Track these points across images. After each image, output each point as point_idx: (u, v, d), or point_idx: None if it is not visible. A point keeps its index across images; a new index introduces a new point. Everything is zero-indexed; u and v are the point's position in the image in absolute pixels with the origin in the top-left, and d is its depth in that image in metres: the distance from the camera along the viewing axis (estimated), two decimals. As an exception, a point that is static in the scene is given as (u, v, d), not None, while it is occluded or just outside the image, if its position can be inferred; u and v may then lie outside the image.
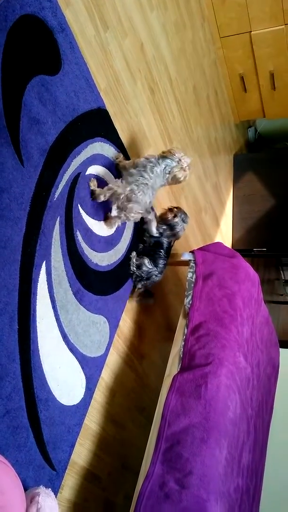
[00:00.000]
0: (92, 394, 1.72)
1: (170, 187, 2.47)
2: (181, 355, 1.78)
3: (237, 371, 1.82)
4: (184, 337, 1.82)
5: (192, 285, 1.95)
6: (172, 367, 1.80)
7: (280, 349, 2.65)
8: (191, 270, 2.02)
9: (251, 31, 3.11)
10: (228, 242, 3.56)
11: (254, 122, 4.21)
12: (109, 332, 1.85)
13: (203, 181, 2.99)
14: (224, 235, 3.46)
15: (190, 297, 1.91)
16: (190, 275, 2.01)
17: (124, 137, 2.00)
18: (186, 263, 2.08)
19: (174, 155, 1.75)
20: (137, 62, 2.12)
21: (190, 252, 2.09)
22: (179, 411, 1.60)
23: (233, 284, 1.93)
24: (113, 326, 1.89)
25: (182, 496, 1.42)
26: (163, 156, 1.76)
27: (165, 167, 1.74)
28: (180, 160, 1.75)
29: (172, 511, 1.39)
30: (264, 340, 2.24)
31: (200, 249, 2.07)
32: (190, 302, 1.89)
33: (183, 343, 1.80)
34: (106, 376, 1.86)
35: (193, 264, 2.03)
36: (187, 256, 2.07)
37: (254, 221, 3.62)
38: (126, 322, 2.02)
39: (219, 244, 2.12)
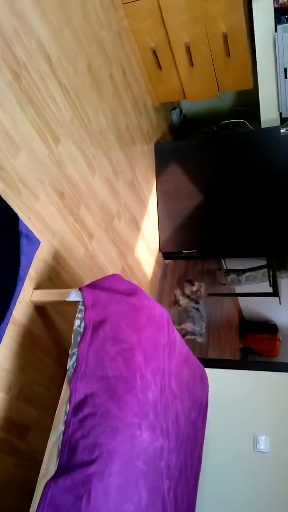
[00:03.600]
0: None
1: (62, 199, 1.94)
2: (60, 446, 1.29)
3: (140, 454, 1.37)
4: (65, 418, 1.33)
5: (78, 339, 1.46)
6: (49, 463, 1.31)
7: (206, 370, 2.27)
8: (79, 316, 1.52)
9: (158, -5, 2.57)
10: (154, 245, 3.09)
11: (178, 104, 3.71)
12: None
13: (112, 181, 2.48)
14: (148, 239, 2.99)
15: (74, 358, 1.42)
16: (77, 322, 1.51)
17: None
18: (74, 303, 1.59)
19: None
20: (-14, 36, 1.54)
21: (78, 289, 1.59)
22: None
23: (132, 334, 1.46)
24: None
25: None
26: None
27: None
28: None
29: None
30: (183, 385, 1.81)
31: (91, 286, 1.58)
32: (74, 366, 1.40)
33: (63, 427, 1.32)
34: None
35: (82, 307, 1.53)
36: (74, 296, 1.57)
37: (182, 219, 3.17)
38: (-4, 393, 1.51)
39: (115, 277, 1.62)
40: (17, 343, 1.64)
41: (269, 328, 6.86)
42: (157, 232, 3.19)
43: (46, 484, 1.22)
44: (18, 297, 1.65)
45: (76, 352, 1.42)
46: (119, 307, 1.50)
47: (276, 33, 2.69)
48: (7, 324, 1.58)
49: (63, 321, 1.92)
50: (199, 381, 2.01)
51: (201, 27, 2.66)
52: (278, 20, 2.69)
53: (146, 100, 3.08)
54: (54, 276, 1.89)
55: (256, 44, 2.77)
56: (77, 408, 1.32)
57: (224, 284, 5.25)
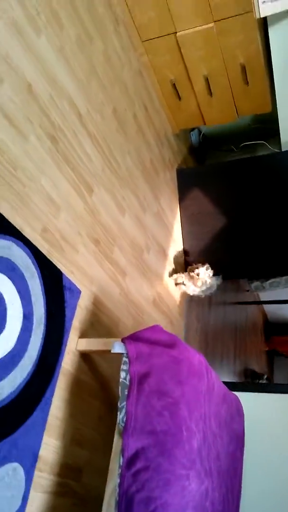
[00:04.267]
0: None
1: (97, 246, 2.05)
2: (117, 498, 1.40)
3: (189, 501, 1.47)
4: (120, 471, 1.44)
5: (126, 392, 1.56)
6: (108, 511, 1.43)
7: (238, 395, 2.35)
8: (124, 368, 1.63)
9: (176, 32, 2.64)
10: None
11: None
12: (25, 477, 1.46)
13: (140, 217, 2.57)
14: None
15: (124, 412, 1.53)
16: (123, 375, 1.62)
17: (17, 216, 1.55)
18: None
19: None
20: (25, 110, 1.65)
21: (121, 341, 1.69)
22: None
23: (175, 388, 1.55)
24: (30, 466, 1.49)
25: None
26: None
27: None
28: None
29: None
30: (222, 423, 1.90)
31: (133, 338, 1.67)
32: (124, 421, 1.50)
33: (118, 480, 1.43)
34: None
35: (126, 360, 1.63)
36: (118, 349, 1.67)
37: (206, 242, 3.25)
38: (50, 442, 1.63)
39: (155, 328, 1.72)
40: (67, 392, 1.75)
41: (294, 329, 6.85)
42: (183, 255, 3.27)
43: (108, 536, 1.33)
44: (65, 349, 1.76)
45: (125, 407, 1.52)
46: (161, 360, 1.60)
47: (293, 58, 2.74)
48: (57, 377, 1.69)
49: (105, 363, 2.03)
50: (236, 414, 2.10)
51: (219, 60, 2.72)
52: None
53: (166, 129, 3.16)
54: (95, 321, 2.00)
55: (274, 69, 2.82)
56: (130, 462, 1.43)
57: (247, 291, 5.30)
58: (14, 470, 1.44)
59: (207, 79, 2.83)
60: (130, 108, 2.57)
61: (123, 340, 1.69)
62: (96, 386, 1.96)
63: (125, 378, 1.61)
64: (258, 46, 2.63)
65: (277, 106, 2.96)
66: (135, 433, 1.46)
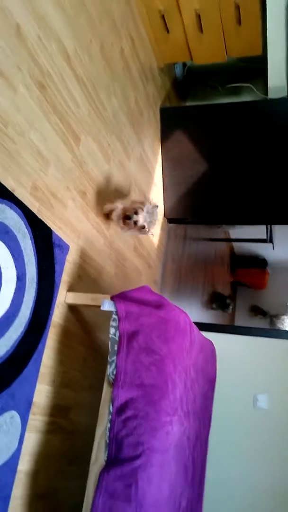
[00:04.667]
0: (7, 503, 1.51)
1: (85, 199, 2.03)
2: (107, 441, 1.57)
3: (171, 443, 1.66)
4: (110, 417, 1.59)
5: (116, 347, 1.67)
6: (99, 452, 1.59)
7: (211, 335, 2.56)
8: (114, 324, 1.72)
9: None
10: (160, 213, 3.20)
11: (182, 56, 3.56)
12: (20, 422, 1.59)
13: (124, 163, 2.53)
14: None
15: (113, 366, 1.64)
16: (112, 331, 1.72)
17: (9, 177, 1.51)
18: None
19: None
20: (14, 57, 1.53)
21: (110, 299, 1.77)
22: (108, 518, 1.44)
23: (162, 345, 1.67)
24: (25, 412, 1.62)
25: None
26: None
27: None
28: None
29: None
30: (199, 369, 2.08)
31: (122, 297, 1.75)
32: (114, 373, 1.62)
33: (109, 425, 1.58)
34: (25, 466, 1.64)
35: (116, 317, 1.72)
36: (107, 306, 1.75)
37: (187, 187, 3.25)
38: (42, 388, 1.75)
39: (144, 289, 1.80)
40: (57, 341, 1.85)
41: (258, 262, 7.16)
42: (162, 197, 3.28)
43: (100, 474, 1.50)
44: (55, 303, 1.82)
45: (115, 361, 1.63)
46: (149, 320, 1.70)
47: (290, -3, 2.58)
48: (48, 330, 1.77)
49: (89, 311, 2.12)
50: (210, 359, 2.28)
51: (213, -6, 2.53)
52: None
53: (152, 62, 2.99)
54: (82, 274, 2.05)
55: (267, 11, 2.66)
56: (120, 410, 1.57)
57: (218, 227, 5.43)
58: (11, 417, 1.56)
59: (199, 15, 2.64)
60: (117, 42, 2.39)
61: (112, 298, 1.76)
62: (81, 333, 2.06)
63: (114, 334, 1.71)
64: (256, -17, 2.45)
65: (268, 50, 2.83)
66: (124, 385, 1.59)
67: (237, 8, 2.61)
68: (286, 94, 3.11)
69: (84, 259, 2.07)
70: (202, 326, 3.03)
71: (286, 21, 2.68)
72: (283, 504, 2.41)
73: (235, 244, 7.00)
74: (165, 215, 3.32)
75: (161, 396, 1.60)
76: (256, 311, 7.29)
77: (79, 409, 2.03)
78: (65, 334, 1.91)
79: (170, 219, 3.36)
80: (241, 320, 7.26)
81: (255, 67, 3.36)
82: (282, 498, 2.43)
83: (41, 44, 1.68)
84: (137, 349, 1.64)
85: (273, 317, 7.09)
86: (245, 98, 3.54)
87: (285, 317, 7.06)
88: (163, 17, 2.72)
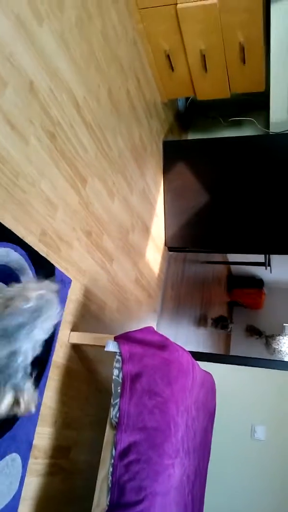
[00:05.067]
0: None
1: (89, 238, 2.09)
2: (109, 485, 1.60)
3: (173, 485, 1.70)
4: (112, 461, 1.62)
5: (119, 390, 1.71)
6: (101, 495, 1.62)
7: (208, 365, 2.60)
8: (117, 366, 1.76)
9: (176, 3, 2.49)
10: (160, 241, 3.26)
11: (184, 89, 3.66)
12: (21, 464, 1.62)
13: (128, 198, 2.59)
14: (156, 237, 3.16)
15: (117, 409, 1.68)
16: (116, 372, 1.76)
17: (19, 226, 1.56)
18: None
19: None
20: (27, 111, 1.59)
21: (114, 340, 1.81)
22: None
23: (165, 388, 1.71)
24: (26, 452, 1.65)
25: None
26: None
27: None
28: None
29: None
30: (200, 405, 2.12)
31: (126, 337, 1.79)
32: (118, 417, 1.66)
33: (111, 469, 1.61)
34: (24, 510, 1.66)
35: (119, 358, 1.76)
36: (111, 347, 1.79)
37: (188, 217, 3.32)
38: (43, 430, 1.78)
39: (147, 330, 1.84)
40: (59, 382, 1.88)
41: (255, 282, 7.22)
42: (163, 227, 3.34)
43: (102, 519, 1.53)
44: (56, 343, 1.86)
45: (119, 404, 1.67)
46: (153, 361, 1.74)
47: (292, 40, 2.68)
48: (49, 371, 1.81)
49: (92, 348, 2.16)
50: (210, 393, 2.32)
51: (218, 37, 2.62)
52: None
53: (156, 98, 3.07)
54: (85, 312, 2.10)
55: (271, 51, 2.76)
56: (122, 454, 1.61)
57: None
58: (13, 460, 1.59)
59: (204, 54, 2.73)
60: (123, 84, 2.47)
61: (116, 339, 1.80)
62: (84, 371, 2.10)
63: (118, 376, 1.75)
64: (260, 28, 2.55)
65: (270, 86, 2.93)
66: (128, 429, 1.63)
67: (242, 48, 2.71)
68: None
69: (87, 297, 2.12)
70: (201, 356, 3.08)
71: (288, 62, 2.77)
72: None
73: (233, 265, 7.05)
74: (166, 243, 3.38)
75: (164, 440, 1.64)
76: (252, 331, 7.33)
77: (80, 448, 2.06)
78: (68, 374, 1.95)
79: (170, 247, 3.42)
80: (237, 340, 7.30)
81: (257, 100, 3.46)
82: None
83: (53, 96, 1.75)
84: (140, 391, 1.68)
85: (268, 338, 7.13)
86: (247, 131, 3.64)
87: (280, 337, 7.11)
88: (168, 56, 2.81)
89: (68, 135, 1.87)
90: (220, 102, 3.64)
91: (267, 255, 4.79)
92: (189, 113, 3.80)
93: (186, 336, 4.26)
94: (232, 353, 7.14)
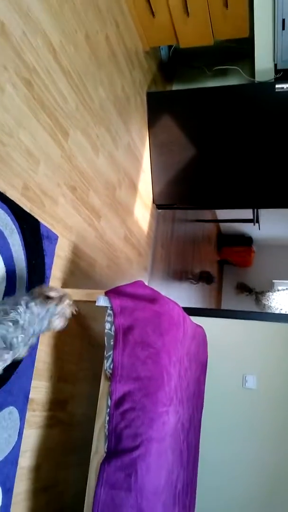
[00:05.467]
0: (11, 496, 1.57)
1: (74, 193, 2.03)
2: (106, 433, 1.63)
3: (167, 432, 1.73)
4: (108, 410, 1.64)
5: (112, 342, 1.71)
6: (99, 443, 1.65)
7: (202, 320, 2.63)
8: (109, 319, 1.75)
9: None
10: (148, 199, 3.21)
11: (167, 38, 3.50)
12: (19, 417, 1.64)
13: (113, 153, 2.51)
14: (143, 194, 3.10)
15: (110, 360, 1.69)
16: (108, 326, 1.75)
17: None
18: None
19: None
20: (0, 57, 1.50)
21: (105, 294, 1.79)
22: (110, 507, 1.51)
23: (157, 339, 1.72)
24: (23, 406, 1.67)
25: None
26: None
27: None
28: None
29: None
30: (192, 357, 2.14)
31: (117, 292, 1.77)
32: (111, 367, 1.67)
33: (107, 417, 1.64)
34: (27, 463, 1.70)
35: (111, 312, 1.75)
36: (102, 302, 1.78)
37: (175, 172, 3.25)
38: (40, 384, 1.79)
39: (138, 284, 1.82)
40: (52, 337, 1.88)
41: (244, 240, 7.24)
42: (151, 184, 3.28)
43: (100, 465, 1.57)
44: (49, 300, 1.84)
45: (112, 356, 1.68)
46: (144, 314, 1.73)
47: (277, -21, 2.55)
48: (44, 327, 1.80)
49: (84, 305, 2.14)
50: (202, 345, 2.35)
51: (199, -24, 2.48)
52: None
53: (137, 47, 2.93)
54: (75, 268, 2.07)
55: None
56: (118, 403, 1.63)
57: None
58: (10, 413, 1.60)
59: (185, -4, 2.59)
60: (102, 29, 2.34)
61: (107, 294, 1.79)
62: (76, 327, 2.10)
63: (110, 329, 1.74)
64: None
65: (255, 33, 2.81)
66: (122, 379, 1.64)
67: (224, -10, 2.57)
68: (273, 77, 3.10)
69: (76, 253, 2.09)
70: (192, 311, 3.10)
71: (273, 4, 2.64)
72: (274, 481, 2.54)
73: (222, 223, 7.04)
74: (154, 201, 3.33)
75: (157, 388, 1.66)
76: (242, 288, 7.42)
77: (77, 401, 2.09)
78: (62, 330, 1.94)
79: (159, 205, 3.38)
80: (228, 297, 7.39)
81: (242, 48, 3.33)
82: (272, 475, 2.56)
83: (26, 40, 1.64)
84: (133, 343, 1.68)
85: (258, 294, 7.24)
86: (232, 80, 3.52)
87: (270, 293, 7.22)
88: (148, 0, 2.66)
89: (45, 83, 1.78)
90: (204, 51, 3.50)
91: (255, 211, 4.77)
92: (173, 63, 3.66)
93: (178, 294, 4.29)
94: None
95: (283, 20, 2.68)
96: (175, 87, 3.68)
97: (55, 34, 1.86)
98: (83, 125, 2.13)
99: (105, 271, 2.41)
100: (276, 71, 3.00)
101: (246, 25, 2.79)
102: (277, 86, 2.86)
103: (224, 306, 7.37)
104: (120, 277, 2.60)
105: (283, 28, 2.72)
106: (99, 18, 2.30)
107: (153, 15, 2.76)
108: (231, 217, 5.59)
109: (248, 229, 6.93)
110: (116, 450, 1.58)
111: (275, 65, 2.95)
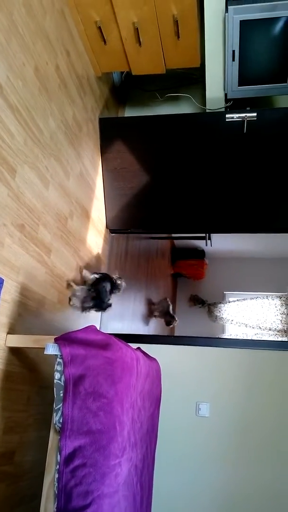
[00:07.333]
0: None
1: (23, 231, 1.95)
2: (56, 492, 1.56)
3: (120, 482, 1.69)
4: (58, 467, 1.57)
5: (61, 394, 1.65)
6: (47, 503, 1.58)
7: (153, 347, 2.62)
8: (59, 369, 1.69)
9: None
10: (101, 225, 3.17)
11: (119, 61, 3.48)
12: None
13: (64, 184, 2.45)
14: (96, 221, 3.05)
15: (60, 414, 1.62)
16: (57, 376, 1.68)
17: None
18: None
19: None
20: None
21: (54, 341, 1.73)
22: None
23: (109, 388, 1.67)
24: None
25: None
26: None
27: None
28: None
29: None
30: (146, 395, 2.12)
31: (67, 339, 1.71)
32: (61, 422, 1.61)
33: (57, 475, 1.57)
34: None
35: (60, 361, 1.69)
36: (51, 350, 1.71)
37: (128, 198, 3.23)
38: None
39: (90, 329, 1.77)
40: (-2, 387, 1.79)
41: (197, 253, 7.36)
42: (104, 209, 3.24)
43: (50, 527, 1.50)
44: (-5, 349, 1.75)
45: (62, 409, 1.61)
46: (96, 362, 1.68)
47: (226, 14, 2.59)
48: (-11, 378, 1.70)
49: (33, 349, 2.06)
50: (156, 379, 2.33)
51: (150, 9, 2.48)
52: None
53: (89, 73, 2.89)
54: (23, 311, 1.98)
55: (205, 25, 2.66)
56: (68, 460, 1.56)
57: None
58: None
59: (137, 28, 2.58)
60: (52, 59, 2.28)
61: (56, 341, 1.72)
62: (24, 372, 2.01)
63: (59, 379, 1.68)
64: (193, 0, 2.43)
65: (206, 64, 2.84)
66: (72, 434, 1.58)
67: (175, 22, 2.59)
68: (223, 105, 3.15)
69: (24, 294, 2.00)
70: (146, 339, 3.08)
71: (223, 35, 2.69)
72: (228, 506, 2.56)
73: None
74: (107, 226, 3.29)
75: (110, 441, 1.61)
76: (195, 300, 7.52)
77: (25, 449, 2.00)
78: (7, 378, 1.85)
79: (112, 230, 3.34)
80: (181, 309, 7.46)
81: (194, 74, 3.37)
82: (225, 501, 2.58)
83: None
84: (84, 394, 1.63)
85: (210, 306, 7.37)
86: (184, 106, 3.56)
87: (221, 305, 7.38)
88: (99, 28, 2.62)
89: (-9, 123, 1.70)
90: (157, 75, 3.51)
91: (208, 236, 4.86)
92: (125, 87, 3.65)
93: (132, 313, 4.26)
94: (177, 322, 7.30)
95: (233, 51, 2.73)
96: (127, 111, 3.67)
97: (1, 70, 1.78)
98: (31, 160, 2.06)
99: (56, 307, 2.34)
100: (227, 100, 3.05)
101: (198, 55, 2.82)
102: (227, 116, 2.92)
103: (178, 318, 7.44)
104: (72, 310, 2.53)
105: (233, 59, 2.77)
106: (49, 48, 2.24)
107: (105, 42, 2.72)
108: (185, 234, 5.65)
109: (200, 243, 7.05)
110: (66, 509, 1.52)
111: (225, 94, 3.00)
